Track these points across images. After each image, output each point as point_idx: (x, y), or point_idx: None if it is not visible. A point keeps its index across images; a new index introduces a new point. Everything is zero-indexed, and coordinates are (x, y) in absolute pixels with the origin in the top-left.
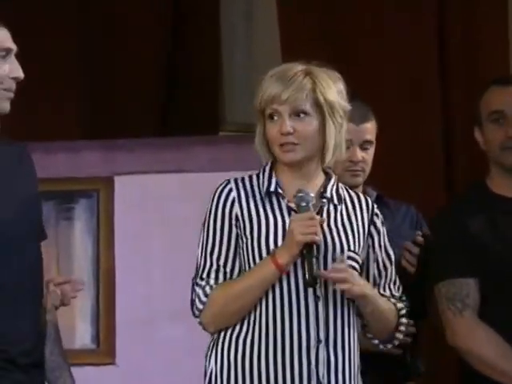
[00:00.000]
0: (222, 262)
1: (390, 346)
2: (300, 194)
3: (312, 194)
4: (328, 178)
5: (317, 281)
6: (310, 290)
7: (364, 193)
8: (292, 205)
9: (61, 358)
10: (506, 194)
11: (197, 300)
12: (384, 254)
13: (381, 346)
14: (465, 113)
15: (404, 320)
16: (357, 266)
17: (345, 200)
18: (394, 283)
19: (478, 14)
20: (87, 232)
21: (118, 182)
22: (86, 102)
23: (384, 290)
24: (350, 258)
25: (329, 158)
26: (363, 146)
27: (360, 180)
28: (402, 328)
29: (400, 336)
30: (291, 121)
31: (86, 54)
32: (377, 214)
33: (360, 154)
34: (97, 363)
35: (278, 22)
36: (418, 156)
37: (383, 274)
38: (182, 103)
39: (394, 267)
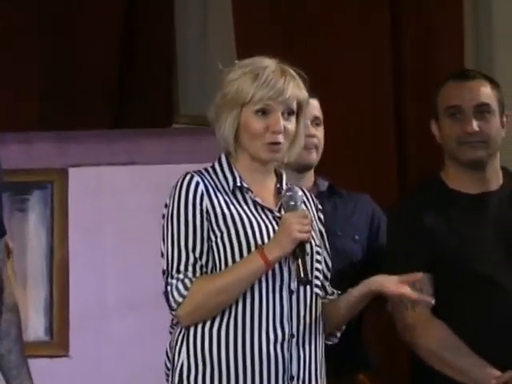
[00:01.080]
0: (197, 254)
1: (335, 340)
2: (289, 193)
3: (300, 193)
4: (279, 173)
5: (311, 280)
6: (285, 285)
7: (315, 182)
8: (258, 199)
9: (20, 357)
10: (462, 190)
11: (175, 293)
12: (325, 248)
13: (327, 342)
14: (417, 107)
15: None
16: (321, 259)
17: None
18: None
19: (432, 6)
20: (41, 223)
21: (72, 173)
22: (40, 93)
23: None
24: (317, 253)
25: (293, 158)
26: (314, 121)
27: (314, 157)
28: (343, 327)
29: (343, 327)
30: (282, 120)
31: (41, 47)
32: (320, 209)
33: (312, 130)
34: (50, 355)
35: (232, 13)
36: (371, 147)
37: (329, 264)
38: (135, 95)
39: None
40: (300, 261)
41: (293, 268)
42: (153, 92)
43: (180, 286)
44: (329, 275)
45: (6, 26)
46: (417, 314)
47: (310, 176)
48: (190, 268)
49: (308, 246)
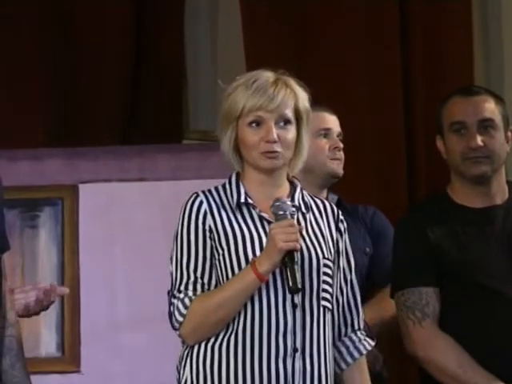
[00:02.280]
0: (199, 274)
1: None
2: (277, 203)
3: (288, 202)
4: (293, 186)
5: (301, 288)
6: (288, 299)
7: (327, 196)
8: (264, 214)
9: (22, 372)
10: (467, 204)
11: (176, 312)
12: (346, 262)
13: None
14: (427, 120)
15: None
16: (331, 273)
17: (311, 207)
18: (354, 297)
19: (442, 21)
20: (52, 240)
21: (83, 189)
22: (50, 109)
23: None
24: (325, 265)
25: (300, 166)
26: (339, 136)
27: (341, 170)
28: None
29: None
30: (276, 129)
31: (50, 62)
32: (342, 221)
33: (340, 144)
34: (62, 371)
35: (241, 29)
36: (381, 159)
37: (348, 279)
38: (145, 111)
39: (353, 275)
40: (289, 269)
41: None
42: (163, 107)
43: (180, 306)
44: (346, 289)
45: (12, 40)
46: (424, 329)
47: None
48: (191, 287)
49: (298, 255)
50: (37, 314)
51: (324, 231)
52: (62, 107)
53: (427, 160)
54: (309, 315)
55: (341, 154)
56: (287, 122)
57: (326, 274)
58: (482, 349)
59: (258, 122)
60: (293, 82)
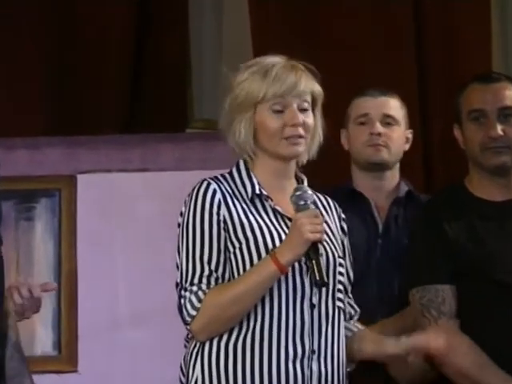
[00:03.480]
0: (213, 267)
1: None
2: (298, 193)
3: (310, 192)
4: (300, 179)
5: (327, 281)
6: (307, 298)
7: (398, 185)
8: (278, 207)
9: (21, 364)
10: (486, 197)
11: (188, 306)
12: (351, 259)
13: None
14: (444, 110)
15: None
16: (345, 272)
17: (317, 203)
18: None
19: (459, 12)
20: (48, 233)
21: (81, 180)
22: (48, 96)
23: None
24: (340, 264)
25: (312, 153)
26: (383, 120)
27: (383, 155)
28: None
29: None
30: (300, 113)
31: (48, 48)
32: (344, 219)
33: (379, 129)
34: (59, 371)
35: (248, 15)
36: None
37: (352, 278)
38: (147, 99)
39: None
40: (314, 262)
41: (307, 271)
42: (166, 95)
43: (193, 299)
44: (349, 288)
45: (12, 27)
46: (440, 328)
47: (391, 177)
48: (205, 280)
49: (321, 247)
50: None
51: (333, 229)
52: (61, 94)
53: (443, 153)
54: (324, 316)
55: (380, 139)
56: (308, 106)
57: (340, 273)
58: (500, 349)
59: (281, 107)
60: (305, 68)
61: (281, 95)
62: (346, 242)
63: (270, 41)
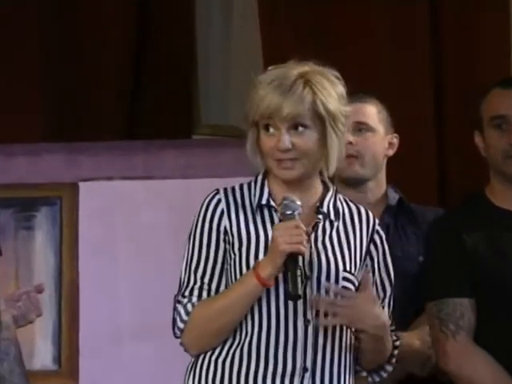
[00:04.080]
0: (206, 280)
1: (377, 378)
2: (285, 202)
3: (298, 202)
4: (326, 189)
5: (300, 295)
6: (300, 313)
7: (386, 194)
8: None
9: (22, 379)
10: (507, 207)
11: (178, 319)
12: (384, 276)
13: (369, 379)
14: (459, 117)
15: (396, 352)
16: (352, 287)
17: (343, 215)
18: (389, 309)
19: (476, 11)
20: (49, 242)
21: (83, 188)
22: (48, 101)
23: None
24: (344, 278)
25: (332, 170)
26: (355, 128)
27: (355, 168)
28: (393, 360)
29: (390, 368)
30: (290, 135)
31: (49, 52)
32: (378, 232)
33: (349, 137)
34: None
35: (258, 16)
36: (410, 159)
37: (381, 297)
38: (152, 103)
39: (392, 291)
40: (289, 273)
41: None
42: (171, 100)
43: (182, 312)
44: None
45: (11, 30)
46: (458, 343)
47: (375, 187)
48: (196, 292)
49: (301, 259)
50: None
51: (352, 242)
52: (61, 99)
53: (458, 159)
54: (322, 332)
55: (352, 149)
56: (303, 126)
57: (344, 288)
58: None
59: (270, 128)
60: (319, 77)
61: (268, 116)
62: (376, 258)
63: (281, 41)
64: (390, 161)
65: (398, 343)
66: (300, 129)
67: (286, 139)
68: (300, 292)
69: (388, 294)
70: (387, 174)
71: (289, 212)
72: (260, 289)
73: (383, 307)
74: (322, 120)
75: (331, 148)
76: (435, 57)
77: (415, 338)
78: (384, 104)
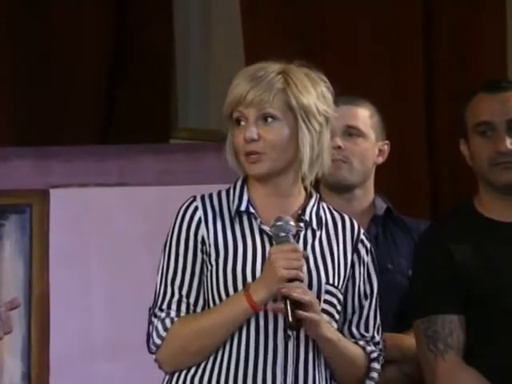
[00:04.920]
0: (184, 292)
1: None
2: (279, 223)
3: (292, 223)
4: (308, 197)
5: (302, 324)
6: (280, 328)
7: (373, 203)
8: (265, 227)
9: None
10: (496, 218)
11: (154, 334)
12: (363, 288)
13: None
14: (452, 123)
15: (376, 365)
16: (335, 301)
17: (326, 224)
18: (368, 320)
19: (472, 11)
20: (18, 253)
21: (54, 195)
22: (17, 101)
23: (354, 329)
24: (327, 292)
25: (304, 170)
26: (346, 132)
27: (343, 173)
28: (374, 374)
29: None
30: (257, 126)
31: (20, 49)
32: (362, 241)
33: (338, 142)
34: None
35: (240, 11)
36: (401, 168)
37: (357, 309)
38: (127, 105)
39: (373, 302)
40: (288, 302)
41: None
42: (148, 102)
43: (160, 327)
44: (359, 316)
45: None
46: (447, 363)
47: (362, 196)
48: (174, 306)
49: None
50: None
51: (335, 253)
52: (30, 99)
53: (450, 165)
54: (303, 347)
55: (340, 154)
56: (271, 117)
57: (327, 302)
58: (510, 382)
59: (241, 120)
60: (297, 72)
61: (236, 104)
62: (358, 267)
63: (263, 38)
64: (382, 169)
65: (374, 355)
66: (269, 120)
67: (253, 130)
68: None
69: (365, 305)
70: (377, 182)
71: (282, 234)
72: (250, 313)
73: (363, 317)
74: (294, 114)
75: (302, 145)
76: (428, 60)
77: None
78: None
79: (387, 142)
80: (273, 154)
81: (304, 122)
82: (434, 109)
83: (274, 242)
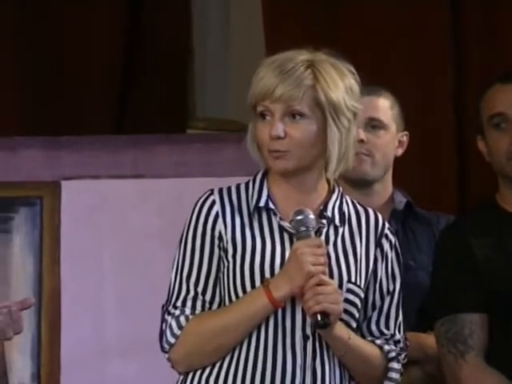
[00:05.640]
0: (200, 289)
1: None
2: (298, 217)
3: (312, 216)
4: (331, 191)
5: (330, 322)
6: (298, 328)
7: (392, 197)
8: (285, 223)
9: None
10: None
11: (168, 332)
12: (385, 284)
13: None
14: None
15: (395, 365)
16: (357, 300)
17: (349, 219)
18: (389, 317)
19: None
20: (28, 247)
21: (65, 187)
22: (26, 89)
23: (374, 326)
24: (349, 290)
25: (332, 168)
26: (368, 124)
27: (366, 168)
28: (393, 375)
29: None
30: (284, 123)
31: (27, 32)
32: (386, 235)
33: (361, 135)
34: None
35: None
36: (428, 156)
37: (378, 305)
38: (143, 93)
39: (395, 298)
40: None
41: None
42: (164, 90)
43: (174, 325)
44: (378, 313)
45: None
46: (467, 364)
47: (381, 190)
48: (189, 303)
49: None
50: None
51: (358, 249)
52: (41, 88)
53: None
54: (319, 349)
55: (363, 147)
56: (299, 114)
57: (348, 301)
58: None
59: (266, 114)
60: (326, 64)
61: (262, 99)
62: (380, 263)
63: (284, 26)
64: (409, 165)
65: (392, 355)
66: (296, 117)
67: (279, 127)
68: (328, 320)
69: (386, 301)
70: (404, 179)
71: (303, 229)
72: (270, 310)
73: (383, 313)
74: (322, 110)
75: (331, 143)
76: (456, 55)
77: None
78: (397, 98)
79: (406, 132)
80: (299, 151)
81: (333, 119)
82: (463, 104)
83: (294, 238)
